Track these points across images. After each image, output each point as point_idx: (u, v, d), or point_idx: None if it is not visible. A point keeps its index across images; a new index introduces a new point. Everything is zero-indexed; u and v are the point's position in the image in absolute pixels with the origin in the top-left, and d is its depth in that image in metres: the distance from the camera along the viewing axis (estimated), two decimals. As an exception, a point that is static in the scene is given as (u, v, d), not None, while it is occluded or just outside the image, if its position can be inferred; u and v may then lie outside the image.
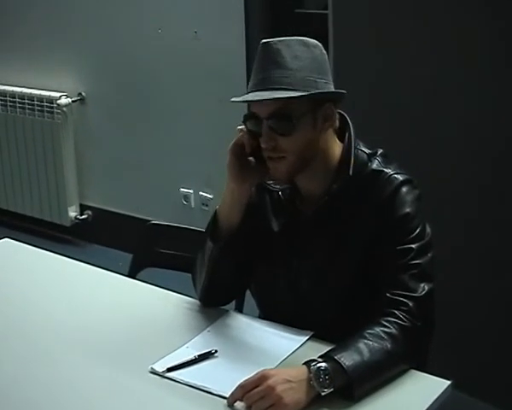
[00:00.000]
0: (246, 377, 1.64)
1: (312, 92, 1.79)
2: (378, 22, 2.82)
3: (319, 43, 1.87)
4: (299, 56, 1.81)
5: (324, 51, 1.87)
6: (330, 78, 1.86)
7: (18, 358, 1.89)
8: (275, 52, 1.80)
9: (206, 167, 4.15)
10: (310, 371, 1.62)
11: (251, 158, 1.90)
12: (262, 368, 1.66)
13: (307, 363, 1.65)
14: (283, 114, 1.80)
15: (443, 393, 1.69)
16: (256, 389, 1.61)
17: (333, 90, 1.86)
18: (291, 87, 1.78)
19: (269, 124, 1.81)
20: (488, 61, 2.57)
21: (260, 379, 1.62)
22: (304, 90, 1.78)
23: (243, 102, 1.85)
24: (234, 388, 1.64)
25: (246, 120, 1.88)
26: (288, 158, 1.84)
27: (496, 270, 2.64)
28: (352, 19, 2.88)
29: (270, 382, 1.60)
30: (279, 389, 1.59)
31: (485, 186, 2.65)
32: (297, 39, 1.83)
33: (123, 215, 4.56)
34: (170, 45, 4.13)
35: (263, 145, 1.84)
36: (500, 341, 2.65)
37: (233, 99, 1.87)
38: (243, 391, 1.63)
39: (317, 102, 1.83)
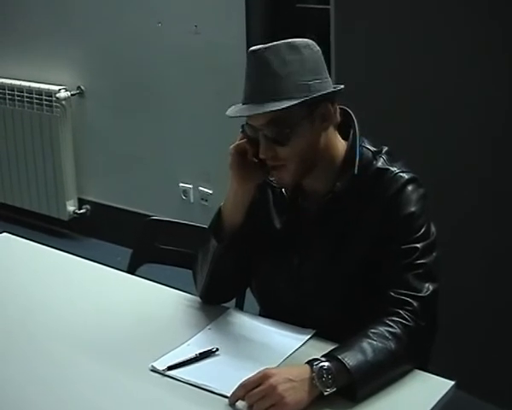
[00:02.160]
0: (247, 376, 1.63)
1: (308, 98, 1.76)
2: (380, 17, 2.80)
3: (310, 41, 1.83)
4: (289, 61, 1.77)
5: (316, 48, 1.83)
6: (325, 74, 1.83)
7: (15, 354, 1.87)
8: (263, 60, 1.78)
9: (206, 162, 4.13)
10: (312, 371, 1.61)
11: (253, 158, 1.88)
12: (264, 367, 1.65)
13: (310, 362, 1.63)
14: (277, 123, 1.78)
15: (447, 393, 1.67)
16: (257, 389, 1.59)
17: (327, 90, 1.81)
18: (283, 96, 1.76)
19: (264, 134, 1.80)
20: (488, 58, 2.56)
21: (262, 378, 1.60)
22: (297, 97, 1.75)
23: (236, 117, 1.83)
24: (235, 387, 1.63)
25: (244, 126, 1.87)
26: (288, 165, 1.83)
27: (498, 270, 2.63)
28: (354, 14, 2.86)
29: (271, 381, 1.59)
30: (281, 388, 1.58)
31: (485, 185, 2.63)
32: (285, 43, 1.80)
33: (121, 210, 4.54)
34: (170, 39, 4.11)
35: (261, 156, 1.83)
36: (504, 341, 2.64)
37: (228, 113, 1.85)
38: (245, 390, 1.61)
39: (312, 105, 1.80)
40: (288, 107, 1.74)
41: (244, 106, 1.82)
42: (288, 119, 1.78)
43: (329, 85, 1.83)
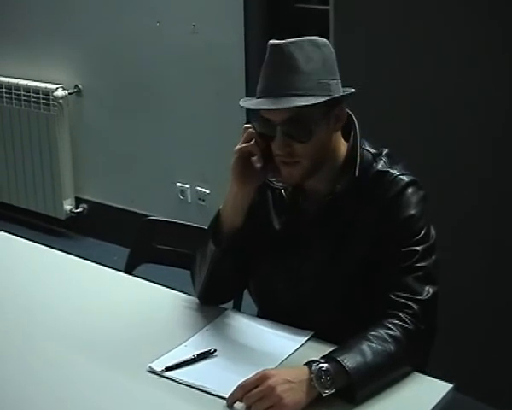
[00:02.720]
0: (245, 378, 1.62)
1: (332, 97, 1.76)
2: (380, 17, 2.79)
3: (327, 41, 1.82)
4: (312, 58, 1.76)
5: (332, 49, 1.83)
6: (339, 76, 1.82)
7: (12, 353, 1.86)
8: (287, 54, 1.75)
9: (203, 162, 4.12)
10: (311, 372, 1.60)
11: (254, 159, 1.86)
12: (262, 368, 1.64)
13: (308, 363, 1.62)
14: (300, 120, 1.76)
15: (445, 396, 1.67)
16: (256, 390, 1.59)
17: (349, 91, 1.82)
18: (307, 92, 1.74)
19: (284, 130, 1.77)
20: (488, 58, 2.56)
21: (260, 379, 1.60)
22: (319, 95, 1.74)
23: (258, 109, 1.79)
24: (233, 388, 1.62)
25: (255, 122, 1.84)
26: (302, 162, 1.81)
27: (498, 271, 2.63)
28: (353, 14, 2.85)
29: (270, 382, 1.58)
30: (279, 389, 1.57)
31: (485, 185, 2.63)
32: (308, 40, 1.78)
33: (118, 209, 4.53)
34: (168, 38, 4.10)
35: (277, 151, 1.80)
36: (504, 342, 2.63)
37: (244, 105, 1.82)
38: (243, 391, 1.60)
39: (331, 105, 1.79)
40: (316, 104, 1.72)
41: (263, 99, 1.78)
42: (309, 116, 1.76)
43: (341, 87, 1.82)
